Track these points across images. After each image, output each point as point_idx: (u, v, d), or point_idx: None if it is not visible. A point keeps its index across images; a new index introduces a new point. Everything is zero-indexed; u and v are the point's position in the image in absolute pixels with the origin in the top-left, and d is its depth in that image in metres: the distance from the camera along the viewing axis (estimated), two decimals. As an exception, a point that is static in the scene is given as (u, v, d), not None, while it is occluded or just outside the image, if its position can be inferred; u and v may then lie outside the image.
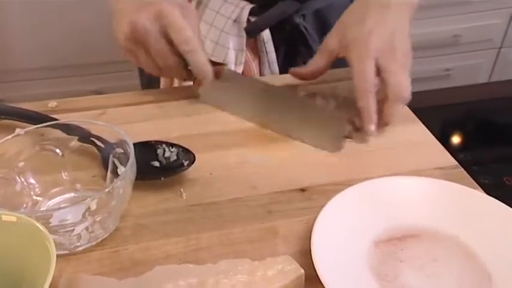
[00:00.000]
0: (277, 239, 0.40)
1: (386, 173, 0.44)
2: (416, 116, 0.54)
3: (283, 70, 0.66)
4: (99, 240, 0.39)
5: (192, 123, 0.53)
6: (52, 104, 0.55)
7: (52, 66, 1.42)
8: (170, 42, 0.50)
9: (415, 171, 0.45)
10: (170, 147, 0.45)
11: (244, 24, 0.63)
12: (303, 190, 0.44)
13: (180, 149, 0.45)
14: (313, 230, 0.36)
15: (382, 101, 0.48)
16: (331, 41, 0.52)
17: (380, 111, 0.48)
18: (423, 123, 0.53)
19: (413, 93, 0.48)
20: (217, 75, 0.53)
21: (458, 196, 0.41)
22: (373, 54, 0.47)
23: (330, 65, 0.54)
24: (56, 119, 0.47)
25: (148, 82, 0.72)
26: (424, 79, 1.62)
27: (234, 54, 0.64)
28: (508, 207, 0.39)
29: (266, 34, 0.64)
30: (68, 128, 0.43)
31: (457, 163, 0.47)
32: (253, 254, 0.38)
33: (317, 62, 0.54)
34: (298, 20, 0.64)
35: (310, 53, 0.65)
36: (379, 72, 0.48)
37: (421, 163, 0.47)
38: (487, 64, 1.71)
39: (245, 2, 0.63)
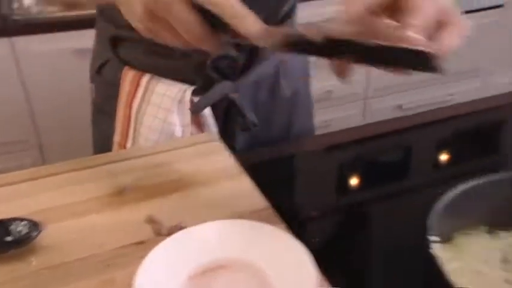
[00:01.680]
0: None
1: (210, 219, 0.54)
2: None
3: (222, 137, 0.76)
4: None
5: (49, 197, 0.60)
6: None
7: None
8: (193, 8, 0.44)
9: (235, 215, 0.56)
10: (21, 222, 0.52)
11: (188, 104, 0.74)
12: (141, 243, 0.53)
13: (31, 222, 0.52)
14: (135, 276, 0.45)
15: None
16: None
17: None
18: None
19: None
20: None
21: (263, 233, 0.51)
22: None
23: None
24: None
25: (101, 148, 0.81)
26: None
27: (180, 130, 0.75)
28: (297, 242, 0.49)
29: (207, 110, 0.75)
30: None
31: (269, 205, 0.58)
32: (91, 302, 0.45)
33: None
34: (233, 96, 0.76)
35: (245, 121, 0.77)
36: None
37: (241, 208, 0.57)
38: (358, 114, 1.96)
39: (187, 86, 0.74)
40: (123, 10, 0.48)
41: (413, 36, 0.40)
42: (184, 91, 0.74)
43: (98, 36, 0.84)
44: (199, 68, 0.73)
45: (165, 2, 0.43)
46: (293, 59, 0.85)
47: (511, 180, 0.54)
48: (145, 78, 0.76)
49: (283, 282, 0.46)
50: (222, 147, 0.70)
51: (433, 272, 0.43)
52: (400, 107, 1.99)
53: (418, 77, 1.90)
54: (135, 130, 0.77)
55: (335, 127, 1.89)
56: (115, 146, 0.80)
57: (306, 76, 0.93)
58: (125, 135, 0.79)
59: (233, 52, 0.74)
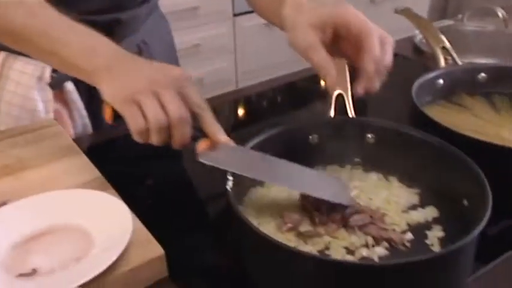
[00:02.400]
0: None
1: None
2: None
3: (90, 113, 0.79)
4: None
5: None
6: None
7: None
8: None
9: (67, 188, 0.59)
10: None
11: (48, 80, 0.74)
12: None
13: None
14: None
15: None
16: (310, 35, 0.54)
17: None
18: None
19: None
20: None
21: (89, 198, 0.56)
22: None
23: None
24: None
25: None
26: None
27: (42, 105, 0.76)
28: (119, 201, 0.55)
29: (70, 85, 0.75)
30: None
31: (100, 176, 0.62)
32: None
33: (324, 62, 0.54)
34: None
35: None
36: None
37: (74, 181, 0.61)
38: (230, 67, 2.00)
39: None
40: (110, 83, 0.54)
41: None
42: (43, 67, 0.75)
43: None
44: None
45: (178, 79, 0.53)
46: (156, 40, 0.88)
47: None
48: (1, 55, 0.76)
49: (103, 238, 0.51)
50: (61, 130, 0.73)
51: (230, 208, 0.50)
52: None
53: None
54: None
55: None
56: None
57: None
58: None
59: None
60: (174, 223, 0.61)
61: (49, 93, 0.76)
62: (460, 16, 1.10)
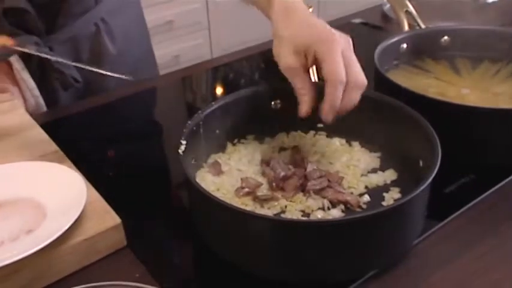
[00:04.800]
0: None
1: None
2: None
3: (43, 91, 0.77)
4: None
5: None
6: None
7: None
8: None
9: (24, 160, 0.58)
10: None
11: None
12: None
13: None
14: None
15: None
16: (292, 58, 0.54)
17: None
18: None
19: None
20: None
21: (43, 171, 0.55)
22: (341, 48, 0.53)
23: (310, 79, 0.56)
24: None
25: None
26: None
27: None
28: (75, 173, 0.54)
29: (19, 63, 0.72)
30: None
31: (58, 149, 0.61)
32: None
33: (302, 89, 0.55)
34: (41, 51, 0.73)
35: (64, 78, 0.77)
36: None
37: (31, 154, 0.60)
38: (205, 44, 1.98)
39: None
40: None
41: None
42: None
43: None
44: None
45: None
46: (119, 19, 0.86)
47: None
48: None
49: (56, 209, 0.51)
50: (17, 105, 0.71)
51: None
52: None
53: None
54: None
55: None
56: None
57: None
58: None
59: (24, 4, 0.73)
60: (134, 194, 0.61)
61: None
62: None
